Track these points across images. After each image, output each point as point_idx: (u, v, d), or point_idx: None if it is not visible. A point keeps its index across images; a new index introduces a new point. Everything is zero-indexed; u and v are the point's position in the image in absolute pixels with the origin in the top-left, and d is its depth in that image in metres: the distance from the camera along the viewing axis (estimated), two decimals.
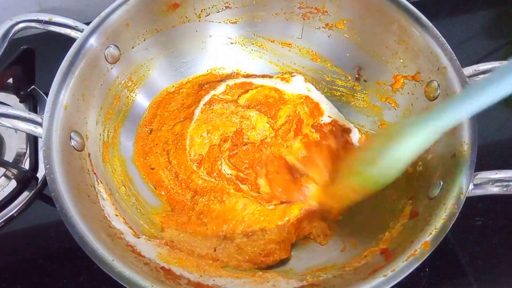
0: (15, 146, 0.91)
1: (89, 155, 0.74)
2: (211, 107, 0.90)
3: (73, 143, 0.70)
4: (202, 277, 0.68)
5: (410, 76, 0.81)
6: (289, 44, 0.97)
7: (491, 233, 0.84)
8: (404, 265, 0.58)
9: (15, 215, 0.85)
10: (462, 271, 0.80)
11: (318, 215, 0.79)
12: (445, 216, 0.61)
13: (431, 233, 0.60)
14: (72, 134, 0.70)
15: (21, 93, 0.94)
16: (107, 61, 0.81)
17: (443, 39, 0.75)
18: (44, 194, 0.87)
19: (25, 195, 0.86)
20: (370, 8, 0.83)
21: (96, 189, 0.72)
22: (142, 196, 0.82)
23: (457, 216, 0.60)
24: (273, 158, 0.85)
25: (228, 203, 0.79)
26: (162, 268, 0.66)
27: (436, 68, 0.74)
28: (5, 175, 0.86)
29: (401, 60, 0.83)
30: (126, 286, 0.56)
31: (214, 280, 0.69)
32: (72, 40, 0.76)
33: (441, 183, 0.66)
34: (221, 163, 0.85)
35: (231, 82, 0.94)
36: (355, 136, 0.91)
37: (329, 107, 0.94)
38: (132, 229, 0.73)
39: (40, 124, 0.68)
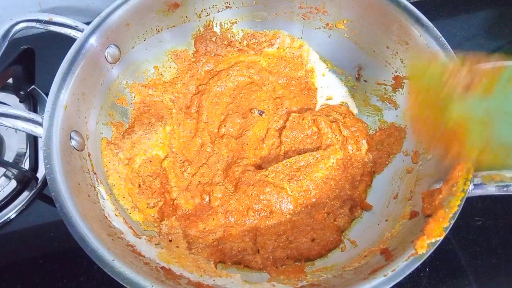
0: (15, 146, 0.91)
1: (89, 155, 0.74)
2: None
3: (73, 143, 0.70)
4: (202, 277, 0.69)
5: None
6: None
7: (491, 233, 0.84)
8: (404, 265, 0.58)
9: (15, 215, 0.85)
10: (462, 271, 0.80)
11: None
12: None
13: None
14: (72, 134, 0.70)
15: (21, 93, 0.94)
16: (107, 61, 0.81)
17: (443, 39, 0.75)
18: (44, 194, 0.88)
19: (25, 195, 0.86)
20: (370, 8, 0.83)
21: (96, 189, 0.72)
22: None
23: (457, 216, 0.60)
24: None
25: None
26: (162, 268, 0.66)
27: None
28: (5, 175, 0.86)
29: (401, 61, 0.83)
30: (126, 286, 0.56)
31: (214, 280, 0.69)
32: (72, 40, 0.76)
33: (441, 183, 0.66)
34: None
35: None
36: None
37: None
38: (132, 229, 0.73)
39: (40, 124, 0.68)
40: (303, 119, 0.89)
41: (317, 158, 0.84)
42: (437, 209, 0.62)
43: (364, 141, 0.88)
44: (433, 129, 0.63)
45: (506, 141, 0.56)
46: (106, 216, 0.70)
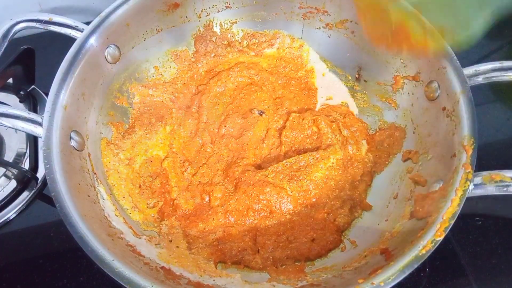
0: (15, 146, 0.91)
1: (89, 155, 0.74)
2: None
3: (73, 143, 0.70)
4: (202, 277, 0.68)
5: (410, 77, 0.81)
6: None
7: (491, 233, 0.84)
8: (404, 265, 0.58)
9: (15, 215, 0.85)
10: (462, 271, 0.80)
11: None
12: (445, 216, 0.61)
13: None
14: (72, 134, 0.70)
15: (21, 93, 0.94)
16: (107, 61, 0.81)
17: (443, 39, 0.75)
18: (44, 194, 0.88)
19: (25, 195, 0.86)
20: None
21: (96, 189, 0.72)
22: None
23: (457, 216, 0.60)
24: None
25: None
26: (162, 268, 0.66)
27: (436, 68, 0.74)
28: (5, 175, 0.86)
29: (401, 61, 0.83)
30: (126, 286, 0.56)
31: (214, 280, 0.69)
32: (72, 40, 0.76)
33: (441, 183, 0.66)
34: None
35: None
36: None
37: None
38: (132, 229, 0.73)
39: (40, 124, 0.68)
40: (303, 119, 0.89)
41: (317, 158, 0.84)
42: (431, 212, 0.62)
43: (364, 141, 0.88)
44: (385, 36, 0.77)
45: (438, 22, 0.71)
46: (106, 216, 0.69)
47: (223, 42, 0.97)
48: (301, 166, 0.83)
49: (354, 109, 0.93)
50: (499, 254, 0.82)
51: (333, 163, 0.84)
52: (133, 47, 0.86)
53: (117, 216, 0.72)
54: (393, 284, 0.56)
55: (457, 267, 0.81)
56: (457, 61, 0.72)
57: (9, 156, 0.90)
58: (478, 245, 0.83)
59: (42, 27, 0.79)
